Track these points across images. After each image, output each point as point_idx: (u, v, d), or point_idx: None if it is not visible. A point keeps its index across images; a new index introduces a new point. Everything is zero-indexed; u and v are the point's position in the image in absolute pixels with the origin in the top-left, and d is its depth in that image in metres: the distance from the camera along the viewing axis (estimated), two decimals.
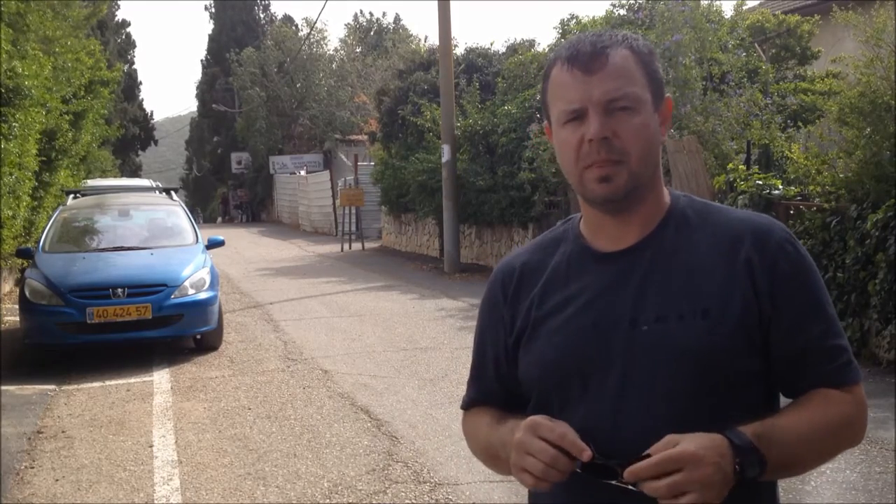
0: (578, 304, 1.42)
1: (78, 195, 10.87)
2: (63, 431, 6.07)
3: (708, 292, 1.36)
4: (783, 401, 1.45)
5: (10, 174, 8.71)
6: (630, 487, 1.25)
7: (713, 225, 1.42)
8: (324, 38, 35.75)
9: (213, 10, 45.88)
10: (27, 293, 8.11)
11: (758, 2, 16.92)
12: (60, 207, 10.18)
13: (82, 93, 13.29)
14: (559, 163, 1.45)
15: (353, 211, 20.73)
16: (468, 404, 1.62)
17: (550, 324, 1.44)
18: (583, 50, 1.38)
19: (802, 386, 1.39)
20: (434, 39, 38.13)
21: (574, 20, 14.44)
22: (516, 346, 1.49)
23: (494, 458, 1.50)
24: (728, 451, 1.25)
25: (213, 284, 8.74)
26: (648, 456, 1.24)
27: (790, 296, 1.37)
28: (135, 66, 42.60)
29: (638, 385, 1.35)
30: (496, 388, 1.56)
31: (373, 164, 21.15)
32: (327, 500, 4.59)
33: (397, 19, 42.76)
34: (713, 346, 1.33)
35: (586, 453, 1.27)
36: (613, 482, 1.27)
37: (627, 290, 1.40)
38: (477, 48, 18.43)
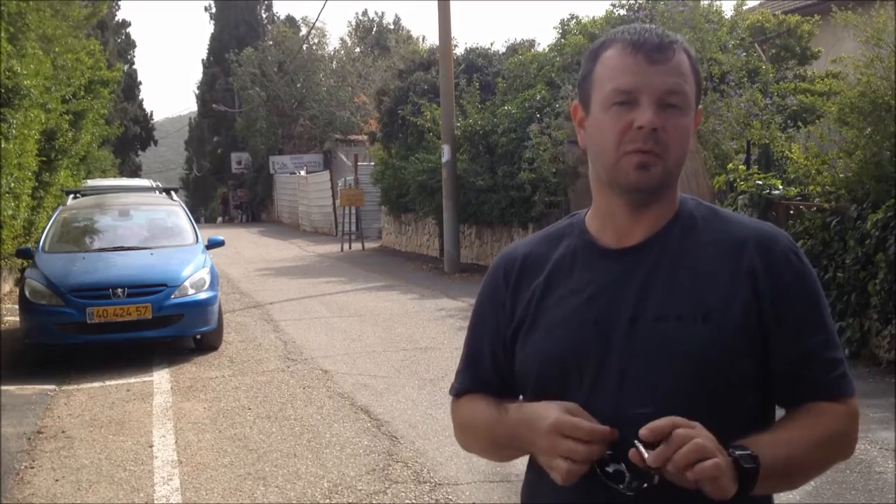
0: (581, 299, 1.42)
1: (78, 195, 10.87)
2: (63, 431, 6.07)
3: (710, 296, 1.36)
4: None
5: (10, 174, 8.71)
6: (644, 485, 1.24)
7: (718, 230, 1.42)
8: (324, 38, 35.79)
9: (213, 10, 45.89)
10: (27, 293, 8.11)
11: (758, 2, 16.92)
12: (60, 207, 10.17)
13: (82, 93, 13.29)
14: (592, 145, 1.43)
15: (353, 211, 20.73)
16: (460, 391, 1.59)
17: (551, 317, 1.44)
18: (650, 39, 1.38)
19: (798, 396, 1.39)
20: (433, 39, 38.13)
21: (574, 20, 14.44)
22: (514, 337, 1.49)
23: (500, 447, 1.49)
24: (726, 463, 1.24)
25: (213, 284, 8.74)
26: (649, 445, 1.23)
27: (792, 305, 1.37)
28: (135, 66, 42.63)
29: (635, 384, 1.35)
30: (491, 378, 1.54)
31: (373, 164, 21.15)
32: (327, 500, 4.59)
33: (397, 20, 42.75)
34: (712, 349, 1.33)
35: (615, 433, 1.27)
36: (621, 486, 1.26)
37: (630, 287, 1.39)
38: (477, 48, 18.43)
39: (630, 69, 1.36)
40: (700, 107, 1.45)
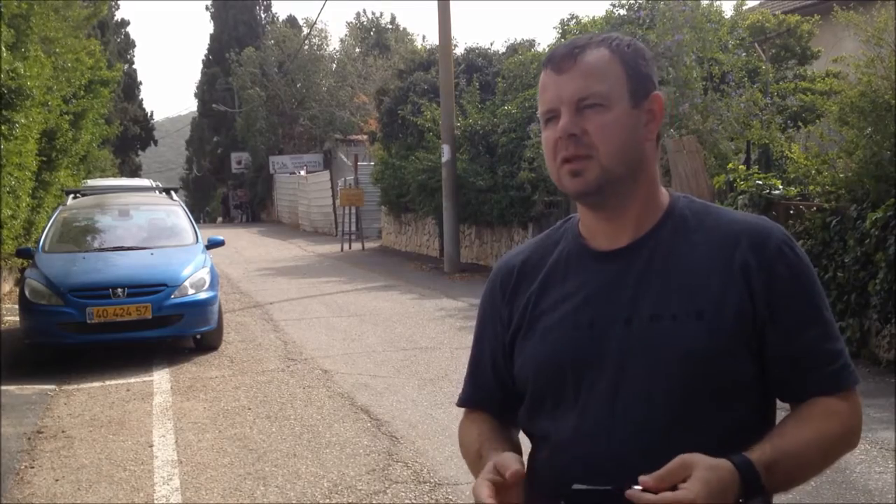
0: (575, 302, 1.42)
1: (78, 195, 10.86)
2: (63, 431, 6.07)
3: (703, 294, 1.35)
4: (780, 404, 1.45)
5: (10, 174, 8.71)
6: None
7: (711, 227, 1.42)
8: (324, 38, 35.76)
9: (213, 10, 45.89)
10: (27, 293, 8.11)
11: (758, 2, 16.92)
12: (60, 207, 10.17)
13: (82, 93, 13.29)
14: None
15: (353, 211, 20.74)
16: (464, 403, 1.63)
17: (547, 321, 1.44)
18: (557, 52, 1.42)
19: (799, 390, 1.38)
20: (431, 39, 38.07)
21: (574, 20, 14.43)
22: (513, 344, 1.50)
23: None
24: (736, 487, 1.23)
25: (213, 284, 8.74)
26: (644, 473, 1.21)
27: (787, 299, 1.36)
28: (135, 66, 42.65)
29: (632, 384, 1.35)
30: (493, 387, 1.56)
31: (373, 164, 21.14)
32: (327, 500, 4.59)
33: (393, 19, 42.71)
34: (707, 347, 1.33)
35: (510, 472, 1.30)
36: None
37: (624, 288, 1.39)
38: (477, 48, 18.43)
39: (546, 86, 1.42)
40: (656, 92, 1.43)
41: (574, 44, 1.41)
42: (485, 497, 1.29)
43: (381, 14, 59.14)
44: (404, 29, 40.41)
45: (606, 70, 1.38)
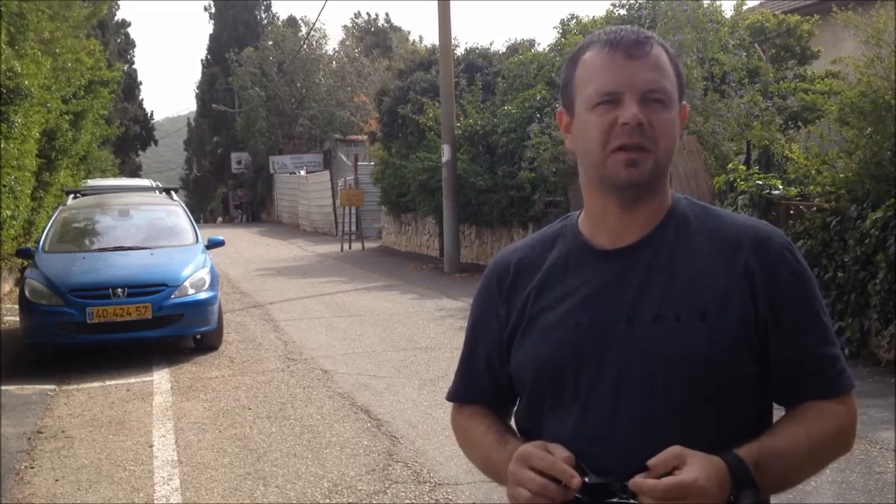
0: (576, 301, 1.41)
1: (78, 195, 10.86)
2: (63, 431, 6.07)
3: (706, 296, 1.35)
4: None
5: (10, 175, 8.71)
6: (630, 503, 1.24)
7: (713, 229, 1.42)
8: (324, 38, 35.79)
9: (212, 10, 45.89)
10: (27, 293, 8.11)
11: (758, 2, 16.92)
12: (60, 207, 10.17)
13: (82, 93, 13.29)
14: (579, 146, 1.42)
15: (353, 211, 20.74)
16: (456, 397, 1.60)
17: (547, 319, 1.43)
18: (626, 37, 1.38)
19: (796, 394, 1.39)
20: (429, 39, 38.03)
21: (574, 20, 14.44)
22: (510, 342, 1.48)
23: (496, 474, 1.49)
24: (728, 482, 1.26)
25: (213, 284, 8.73)
26: (647, 468, 1.24)
27: (789, 304, 1.37)
28: (135, 66, 42.63)
29: (633, 384, 1.34)
30: (486, 384, 1.54)
31: (373, 164, 21.14)
32: (327, 500, 4.59)
33: (388, 19, 42.66)
34: (710, 348, 1.33)
35: (575, 480, 1.26)
36: (614, 501, 1.26)
37: (626, 288, 1.39)
38: (477, 48, 18.41)
39: (610, 68, 1.37)
40: (685, 103, 1.45)
41: (641, 33, 1.39)
42: (559, 460, 1.29)
43: (377, 15, 59.17)
44: (399, 28, 40.38)
45: (668, 69, 1.39)
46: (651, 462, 1.24)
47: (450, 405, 1.64)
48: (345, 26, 42.14)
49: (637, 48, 1.36)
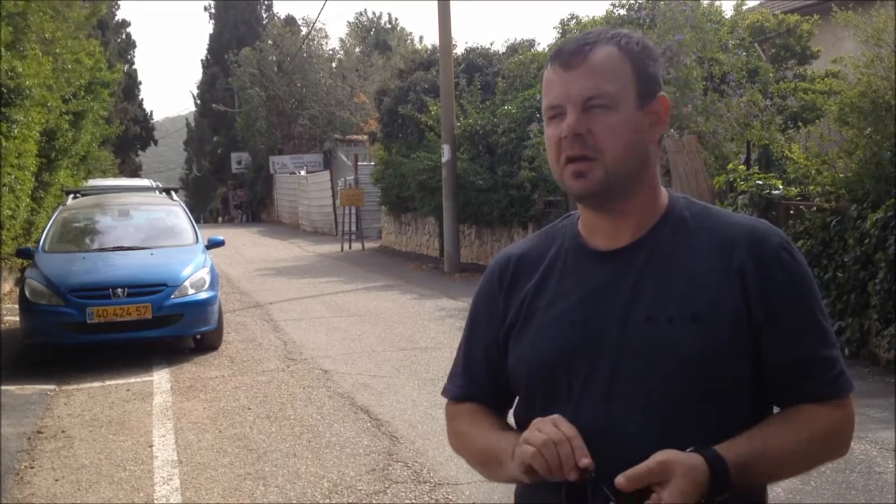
0: (572, 301, 1.41)
1: (78, 195, 10.86)
2: (63, 431, 6.07)
3: (700, 297, 1.34)
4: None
5: (10, 174, 8.72)
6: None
7: (710, 229, 1.41)
8: (325, 37, 35.76)
9: (212, 10, 45.88)
10: (27, 293, 8.11)
11: (758, 2, 16.92)
12: (60, 207, 10.17)
13: (82, 93, 13.29)
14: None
15: (353, 211, 20.74)
16: (457, 396, 1.58)
17: (542, 318, 1.43)
18: (566, 48, 1.39)
19: (793, 396, 1.37)
20: (429, 39, 38.00)
21: (574, 20, 14.43)
22: (507, 339, 1.48)
23: (489, 462, 1.47)
24: (705, 485, 1.25)
25: (213, 284, 8.74)
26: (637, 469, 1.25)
27: (785, 305, 1.35)
28: (135, 67, 42.62)
29: (626, 385, 1.34)
30: (486, 381, 1.54)
31: (373, 164, 21.15)
32: (327, 500, 4.59)
33: (390, 19, 42.73)
34: (702, 351, 1.32)
35: (585, 460, 1.26)
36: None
37: (621, 289, 1.39)
38: (477, 48, 18.41)
39: (553, 81, 1.39)
40: (662, 94, 1.42)
41: (584, 40, 1.38)
42: (565, 427, 1.28)
43: (380, 14, 59.15)
44: (402, 28, 40.41)
45: (615, 69, 1.37)
46: (633, 473, 1.23)
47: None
48: (349, 22, 42.14)
49: (574, 57, 1.37)
